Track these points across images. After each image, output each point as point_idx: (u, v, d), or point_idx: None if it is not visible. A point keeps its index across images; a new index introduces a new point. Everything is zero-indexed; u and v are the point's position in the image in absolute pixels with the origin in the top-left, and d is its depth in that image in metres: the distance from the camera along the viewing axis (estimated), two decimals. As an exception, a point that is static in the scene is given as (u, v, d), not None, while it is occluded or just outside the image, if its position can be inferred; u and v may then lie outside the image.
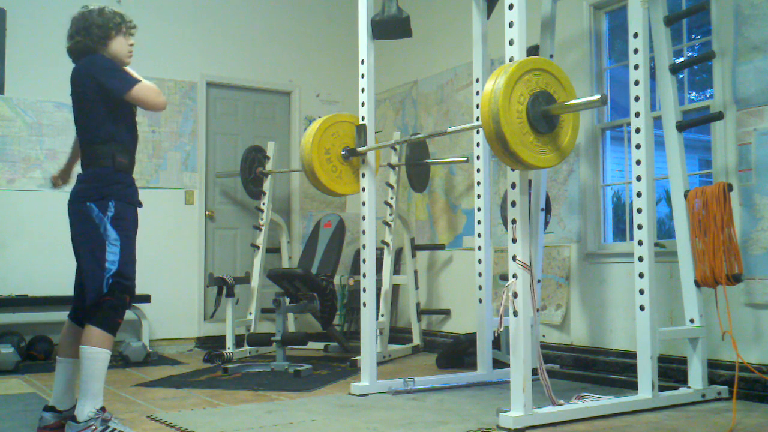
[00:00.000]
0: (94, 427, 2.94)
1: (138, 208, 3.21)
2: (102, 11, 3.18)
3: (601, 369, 4.80)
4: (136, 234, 3.17)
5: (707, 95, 4.83)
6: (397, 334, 6.57)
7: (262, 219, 6.34)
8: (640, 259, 3.74)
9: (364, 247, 4.25)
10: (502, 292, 3.33)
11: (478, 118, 4.35)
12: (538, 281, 4.70)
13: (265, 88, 7.10)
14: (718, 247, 3.79)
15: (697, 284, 3.92)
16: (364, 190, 4.26)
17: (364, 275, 4.23)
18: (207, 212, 6.72)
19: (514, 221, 3.34)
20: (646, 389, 3.69)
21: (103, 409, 3.00)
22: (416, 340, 6.16)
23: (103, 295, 3.02)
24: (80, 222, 3.06)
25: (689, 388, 3.89)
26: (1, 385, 4.53)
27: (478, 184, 4.60)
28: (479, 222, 4.58)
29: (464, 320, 5.98)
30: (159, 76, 6.46)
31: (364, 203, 4.25)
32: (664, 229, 7.12)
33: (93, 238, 3.03)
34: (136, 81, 3.11)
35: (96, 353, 2.97)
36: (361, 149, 4.25)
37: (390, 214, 5.87)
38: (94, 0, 3.30)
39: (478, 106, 4.48)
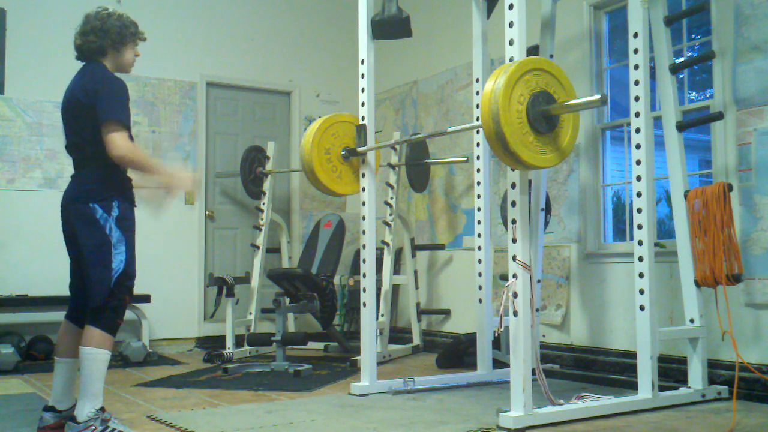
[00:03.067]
0: (93, 427, 2.94)
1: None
2: (121, 17, 3.20)
3: (601, 369, 4.80)
4: (135, 234, 3.18)
5: (707, 95, 4.83)
6: (397, 334, 6.58)
7: (262, 219, 6.34)
8: (640, 259, 3.74)
9: (364, 247, 4.25)
10: (502, 292, 3.33)
11: (478, 118, 4.35)
12: (538, 281, 4.70)
13: (265, 88, 7.10)
14: (718, 247, 3.79)
15: (697, 284, 3.92)
16: (364, 190, 4.26)
17: (364, 275, 4.23)
18: (207, 212, 6.72)
19: (514, 221, 3.34)
20: (646, 389, 3.69)
21: (102, 409, 3.00)
22: (416, 340, 6.16)
23: (114, 295, 3.03)
24: (83, 223, 3.05)
25: (689, 388, 3.89)
26: (1, 385, 4.53)
27: (478, 184, 4.60)
28: (479, 222, 4.58)
29: (464, 320, 5.98)
30: (159, 76, 6.47)
31: (364, 203, 4.25)
32: (664, 229, 7.11)
33: (98, 239, 3.03)
34: (124, 124, 3.03)
35: (96, 354, 2.97)
36: (361, 149, 4.25)
37: (390, 214, 5.87)
38: (103, 2, 3.31)
39: (478, 106, 4.48)
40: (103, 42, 3.15)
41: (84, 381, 2.97)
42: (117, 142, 2.99)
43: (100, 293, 3.01)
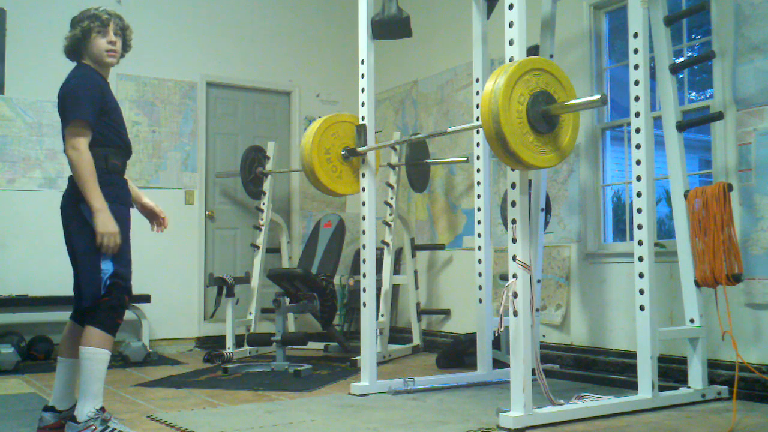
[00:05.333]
0: (93, 427, 2.94)
1: (131, 209, 3.23)
2: (84, 12, 3.17)
3: (601, 369, 4.80)
4: (130, 234, 3.17)
5: (707, 95, 4.83)
6: (397, 334, 6.58)
7: (262, 219, 6.34)
8: (640, 259, 3.74)
9: (364, 247, 4.25)
10: (502, 292, 3.33)
11: (478, 118, 4.35)
12: (538, 281, 4.70)
13: (265, 88, 7.10)
14: (718, 247, 3.79)
15: (697, 284, 3.92)
16: (364, 190, 4.26)
17: (364, 275, 4.23)
18: (207, 212, 6.72)
19: (514, 221, 3.34)
20: (646, 389, 3.69)
21: (102, 409, 3.00)
22: (416, 340, 6.16)
23: (101, 297, 3.01)
24: (75, 224, 3.05)
25: (689, 388, 3.89)
26: (1, 385, 4.53)
27: (478, 184, 4.60)
28: (479, 222, 4.58)
29: (464, 320, 5.98)
30: (159, 76, 6.47)
31: (364, 203, 4.25)
32: (664, 229, 7.12)
33: (89, 240, 3.02)
34: (86, 122, 3.01)
35: (96, 354, 2.97)
36: (361, 149, 4.25)
37: (390, 214, 5.87)
38: (102, 3, 3.31)
39: (478, 106, 4.48)
40: (70, 42, 3.18)
41: (84, 381, 2.97)
42: (73, 142, 2.98)
43: (90, 293, 3.00)
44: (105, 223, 2.98)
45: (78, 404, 2.99)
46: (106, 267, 3.03)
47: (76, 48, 3.17)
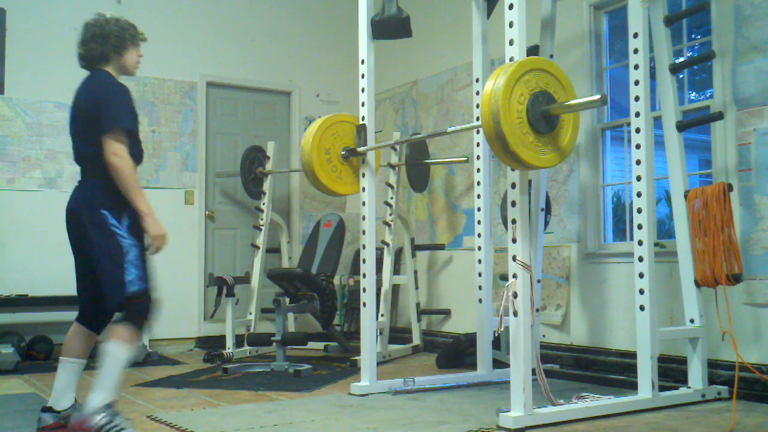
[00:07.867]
0: (103, 414, 2.93)
1: None
2: (118, 21, 3.20)
3: (601, 369, 4.80)
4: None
5: (707, 95, 4.83)
6: (397, 334, 6.57)
7: (262, 219, 6.34)
8: (640, 259, 3.74)
9: (364, 247, 4.25)
10: (502, 292, 3.33)
11: (478, 118, 4.35)
12: (538, 281, 4.70)
13: (265, 88, 7.10)
14: (718, 247, 3.79)
15: (697, 284, 3.92)
16: (364, 190, 4.26)
17: (364, 275, 4.23)
18: (207, 212, 6.72)
19: (514, 221, 3.34)
20: (646, 389, 3.69)
21: (112, 404, 2.99)
22: (416, 340, 6.16)
23: (136, 298, 3.04)
24: (95, 230, 3.06)
25: (689, 388, 3.89)
26: (1, 385, 4.53)
27: (478, 184, 4.60)
28: (479, 222, 4.59)
29: (464, 320, 5.98)
30: (159, 76, 6.47)
31: (364, 203, 4.25)
32: (664, 229, 7.12)
33: (111, 245, 3.04)
34: (129, 132, 3.04)
35: (121, 352, 2.97)
36: (361, 149, 4.25)
37: (390, 214, 5.87)
38: (103, 3, 3.30)
39: (478, 106, 4.48)
40: (104, 48, 3.16)
41: (103, 375, 2.97)
42: (115, 149, 2.99)
43: (116, 296, 3.01)
44: (156, 226, 3.09)
45: (91, 394, 2.98)
46: (135, 270, 3.05)
47: (106, 55, 3.16)
